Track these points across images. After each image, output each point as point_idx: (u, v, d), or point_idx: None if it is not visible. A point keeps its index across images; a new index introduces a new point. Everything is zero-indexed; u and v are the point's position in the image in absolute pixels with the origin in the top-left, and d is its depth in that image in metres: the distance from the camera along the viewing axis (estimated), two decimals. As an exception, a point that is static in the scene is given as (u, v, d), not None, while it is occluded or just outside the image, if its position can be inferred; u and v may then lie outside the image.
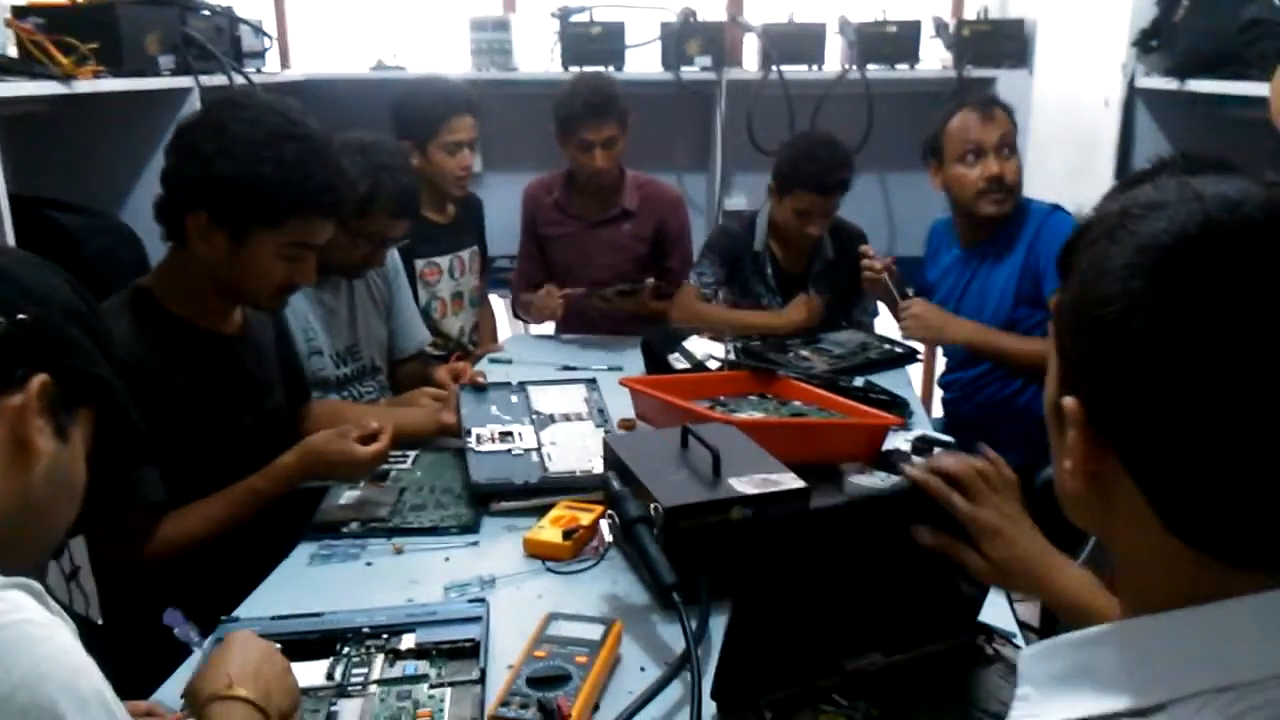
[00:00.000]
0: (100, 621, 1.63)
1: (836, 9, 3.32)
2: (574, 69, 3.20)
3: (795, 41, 3.24)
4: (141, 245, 2.20)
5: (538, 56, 3.33)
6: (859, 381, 2.07)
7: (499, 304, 3.17)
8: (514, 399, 1.88)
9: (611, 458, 1.47)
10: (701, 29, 3.23)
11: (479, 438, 1.72)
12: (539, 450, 1.71)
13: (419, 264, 2.56)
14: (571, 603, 1.33)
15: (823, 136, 2.62)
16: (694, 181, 3.59)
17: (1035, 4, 3.17)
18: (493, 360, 2.47)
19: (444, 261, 2.66)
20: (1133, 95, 2.36)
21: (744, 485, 1.34)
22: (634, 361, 2.36)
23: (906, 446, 1.76)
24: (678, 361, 2.19)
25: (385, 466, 1.75)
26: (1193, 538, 0.61)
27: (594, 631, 1.20)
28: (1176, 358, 0.57)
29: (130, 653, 1.22)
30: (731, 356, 2.23)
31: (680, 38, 3.20)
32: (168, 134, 1.54)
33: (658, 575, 1.20)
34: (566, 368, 2.38)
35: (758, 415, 1.81)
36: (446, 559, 1.47)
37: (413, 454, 1.81)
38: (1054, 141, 2.80)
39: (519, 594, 1.37)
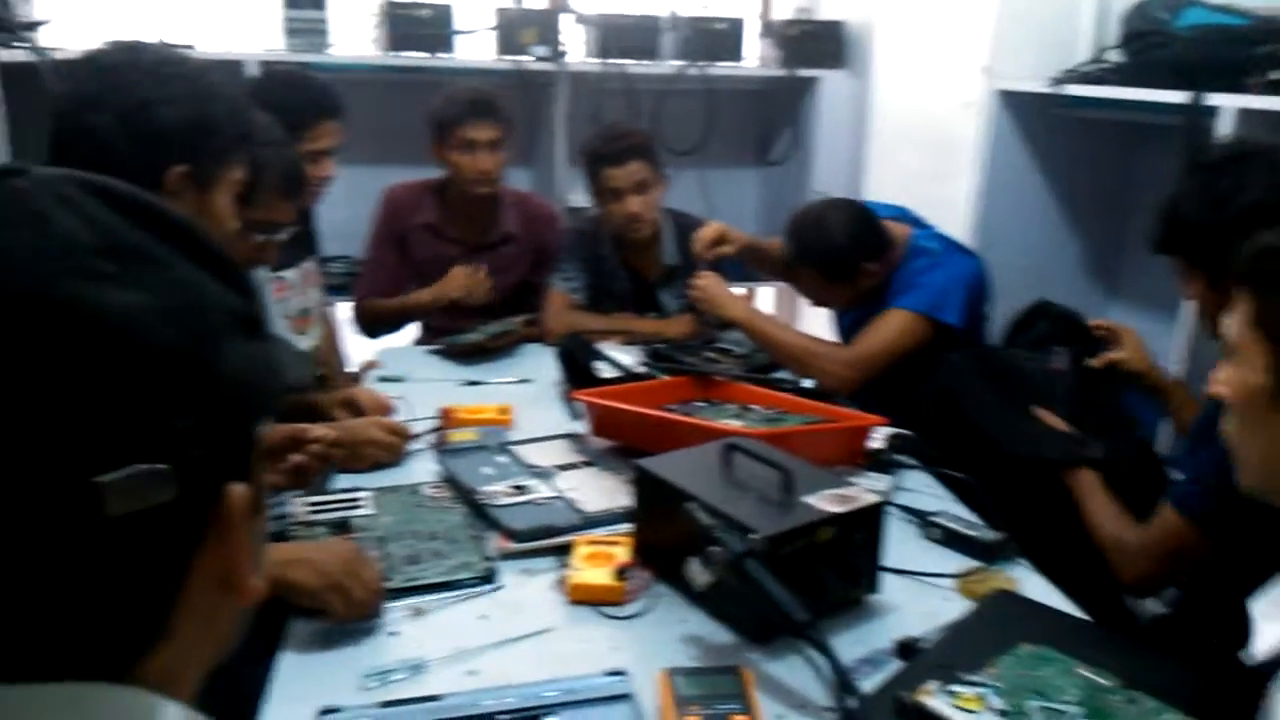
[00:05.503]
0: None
1: (659, 5, 3.28)
2: (397, 54, 2.95)
3: (630, 34, 3.17)
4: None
5: (356, 39, 3.02)
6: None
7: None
8: (500, 459, 1.68)
9: (657, 486, 1.34)
10: (535, 18, 3.08)
11: (493, 495, 1.52)
12: (561, 496, 1.54)
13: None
14: (652, 652, 1.20)
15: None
16: (519, 177, 3.42)
17: (852, 6, 3.31)
18: (383, 380, 2.19)
19: (292, 275, 2.33)
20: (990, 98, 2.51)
21: (825, 504, 1.27)
22: (542, 372, 2.20)
23: (882, 444, 1.76)
24: (603, 371, 2.06)
25: (341, 514, 1.50)
26: None
27: (727, 685, 1.09)
28: None
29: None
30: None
31: (515, 25, 3.03)
32: None
33: (788, 612, 1.10)
34: (472, 383, 2.17)
35: (736, 424, 1.74)
36: (483, 616, 1.28)
37: (365, 494, 1.56)
38: (900, 143, 2.93)
39: (587, 648, 1.21)
